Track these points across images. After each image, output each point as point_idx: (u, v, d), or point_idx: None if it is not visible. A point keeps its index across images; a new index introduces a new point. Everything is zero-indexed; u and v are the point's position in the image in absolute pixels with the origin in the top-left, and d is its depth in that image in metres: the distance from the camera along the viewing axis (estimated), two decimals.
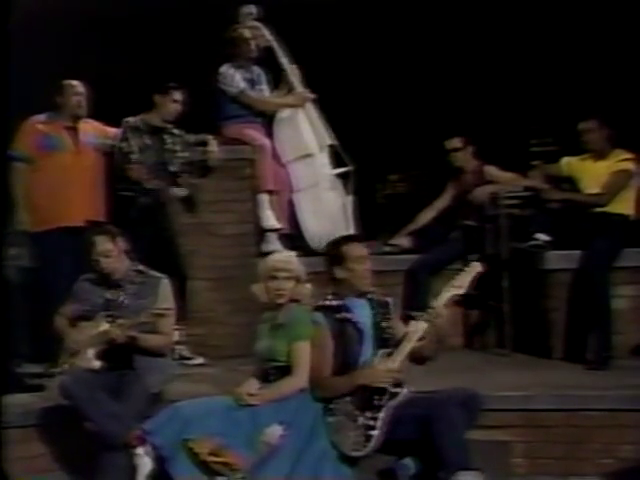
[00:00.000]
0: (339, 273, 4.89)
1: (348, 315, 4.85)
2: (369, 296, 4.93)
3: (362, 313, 4.87)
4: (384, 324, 4.87)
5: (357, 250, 4.91)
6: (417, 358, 4.81)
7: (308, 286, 4.96)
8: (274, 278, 4.90)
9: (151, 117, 6.41)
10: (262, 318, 5.02)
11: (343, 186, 7.05)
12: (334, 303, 4.88)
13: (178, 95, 6.38)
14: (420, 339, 4.73)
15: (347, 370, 4.78)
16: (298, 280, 4.92)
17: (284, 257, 5.10)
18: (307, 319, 4.86)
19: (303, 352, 4.80)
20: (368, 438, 4.62)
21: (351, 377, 4.74)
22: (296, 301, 4.92)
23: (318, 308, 4.89)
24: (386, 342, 4.82)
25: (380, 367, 4.70)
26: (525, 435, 5.18)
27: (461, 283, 4.81)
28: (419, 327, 4.73)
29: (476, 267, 4.87)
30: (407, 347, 4.72)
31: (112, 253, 5.14)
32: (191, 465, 4.63)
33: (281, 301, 4.90)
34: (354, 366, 4.78)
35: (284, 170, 6.95)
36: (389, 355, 4.73)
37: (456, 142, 6.81)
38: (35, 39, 6.99)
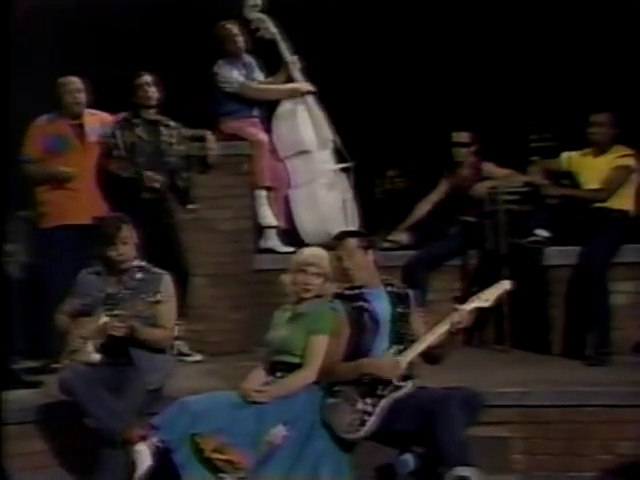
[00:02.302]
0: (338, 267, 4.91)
1: (365, 304, 4.84)
2: (388, 288, 4.93)
3: (380, 304, 4.86)
4: (403, 317, 4.86)
5: (346, 245, 4.90)
6: (429, 357, 4.82)
7: (334, 286, 4.93)
8: (303, 272, 4.87)
9: (141, 111, 6.36)
10: (282, 307, 4.99)
11: (347, 181, 7.05)
12: (352, 292, 4.88)
13: (148, 79, 6.32)
14: (436, 340, 4.73)
15: (358, 358, 4.76)
16: (326, 278, 4.90)
17: (317, 252, 5.04)
18: (330, 314, 4.82)
19: (320, 346, 4.76)
20: (363, 423, 4.61)
21: (357, 365, 4.72)
22: (319, 297, 4.90)
23: (336, 296, 4.89)
24: (402, 336, 4.81)
25: (388, 361, 4.69)
26: (524, 431, 5.17)
27: (488, 297, 4.80)
28: (438, 330, 4.72)
29: (505, 285, 4.86)
30: (421, 347, 4.72)
31: (130, 241, 5.14)
32: (196, 460, 4.62)
33: (307, 295, 4.87)
34: (366, 355, 4.77)
35: (282, 166, 6.94)
36: (401, 352, 4.73)
37: (464, 136, 6.78)
38: (34, 37, 6.99)
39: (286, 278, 4.96)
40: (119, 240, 5.10)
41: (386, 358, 4.72)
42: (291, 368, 4.80)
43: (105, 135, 6.29)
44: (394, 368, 4.67)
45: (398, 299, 4.91)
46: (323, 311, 4.83)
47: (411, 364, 4.74)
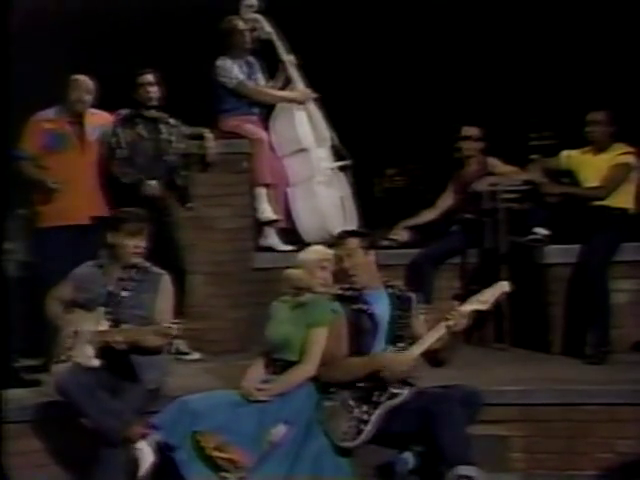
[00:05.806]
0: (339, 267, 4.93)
1: (364, 306, 4.86)
2: (389, 290, 4.93)
3: (380, 306, 4.87)
4: (402, 319, 4.87)
5: (347, 245, 4.92)
6: (431, 360, 4.83)
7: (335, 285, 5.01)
8: (323, 268, 4.94)
9: (142, 109, 6.34)
10: (280, 299, 5.02)
11: (345, 180, 7.03)
12: (352, 293, 4.89)
13: (150, 78, 6.29)
14: (437, 342, 4.73)
15: None
16: (330, 274, 4.99)
17: (327, 249, 5.10)
18: (327, 305, 4.88)
19: (319, 339, 4.80)
20: (359, 431, 4.62)
21: (370, 359, 4.73)
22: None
23: (337, 297, 4.91)
24: (400, 337, 4.82)
25: (401, 355, 4.70)
26: (524, 430, 5.17)
27: (486, 299, 4.80)
28: (438, 330, 4.72)
29: (503, 286, 4.85)
30: (422, 347, 4.72)
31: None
32: (197, 459, 4.63)
33: (322, 290, 4.92)
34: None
35: (281, 164, 6.93)
36: (402, 351, 4.74)
37: (474, 131, 6.77)
38: (35, 36, 6.97)
39: (298, 273, 4.97)
40: (144, 234, 5.11)
41: (398, 354, 4.71)
42: (289, 365, 4.81)
43: (107, 134, 6.27)
44: (406, 363, 4.67)
45: (399, 301, 4.91)
46: (322, 304, 4.87)
47: (416, 363, 4.74)
